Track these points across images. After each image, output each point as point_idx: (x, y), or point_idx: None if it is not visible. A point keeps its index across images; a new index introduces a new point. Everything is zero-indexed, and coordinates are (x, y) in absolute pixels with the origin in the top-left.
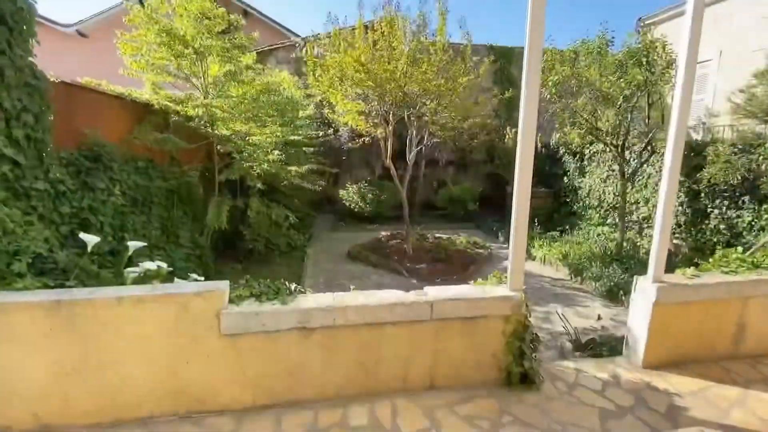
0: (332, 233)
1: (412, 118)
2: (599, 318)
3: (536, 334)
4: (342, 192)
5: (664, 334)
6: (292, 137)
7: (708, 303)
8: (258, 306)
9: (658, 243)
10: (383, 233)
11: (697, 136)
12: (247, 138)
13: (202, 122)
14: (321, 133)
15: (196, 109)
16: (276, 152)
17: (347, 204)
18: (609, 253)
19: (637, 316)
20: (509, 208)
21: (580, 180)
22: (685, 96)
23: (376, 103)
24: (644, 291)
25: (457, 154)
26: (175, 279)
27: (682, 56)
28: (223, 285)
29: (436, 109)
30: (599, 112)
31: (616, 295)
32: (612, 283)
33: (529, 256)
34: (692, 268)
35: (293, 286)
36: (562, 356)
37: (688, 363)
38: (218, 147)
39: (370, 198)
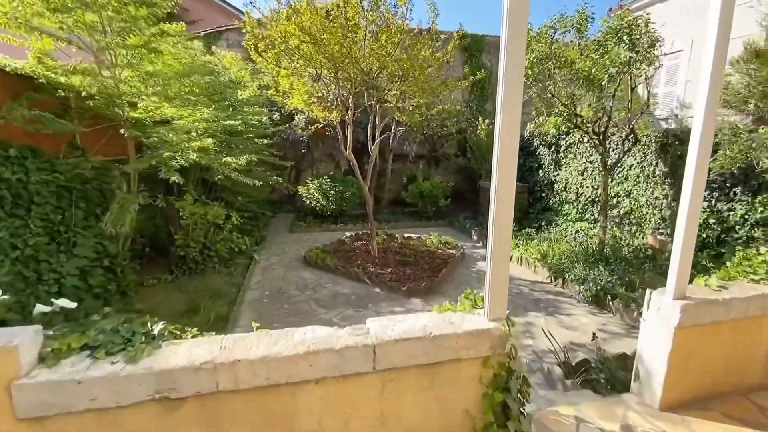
0: (290, 235)
1: (373, 102)
2: (594, 338)
3: (525, 377)
4: (301, 189)
5: (686, 365)
6: (228, 122)
7: (739, 322)
8: (87, 366)
9: (680, 250)
10: (348, 234)
11: (669, 127)
12: (170, 122)
13: (103, 101)
14: (265, 119)
15: (84, 81)
16: (210, 140)
17: (308, 202)
18: (592, 252)
19: (652, 343)
20: (482, 204)
21: (556, 173)
22: (716, 71)
23: (333, 85)
24: (662, 311)
25: (427, 148)
26: None
27: (713, 25)
28: (22, 335)
29: (401, 91)
30: (578, 96)
31: (603, 300)
32: (598, 287)
33: None
34: (714, 276)
35: (158, 327)
36: (549, 384)
37: (714, 399)
38: (126, 132)
39: (333, 195)
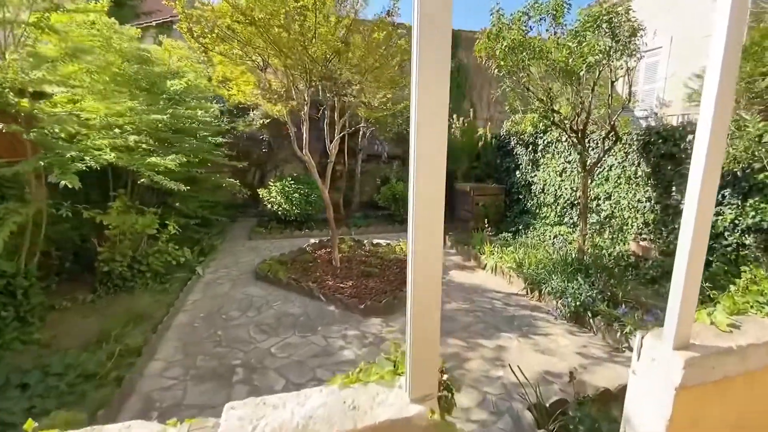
0: (248, 242)
1: (328, 95)
2: (572, 379)
3: None
4: (262, 191)
5: None
6: (153, 116)
7: (757, 374)
8: None
9: (683, 284)
10: (312, 240)
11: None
12: (80, 116)
13: None
14: (214, 112)
15: None
16: (134, 137)
17: (269, 206)
18: (571, 260)
19: (645, 405)
20: (456, 206)
21: (533, 174)
22: (730, 48)
23: (282, 75)
24: (659, 364)
25: (402, 147)
26: None
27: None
28: None
29: (359, 82)
30: (555, 91)
31: (583, 317)
32: (578, 303)
33: (479, 265)
34: (720, 310)
35: None
36: None
37: None
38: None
39: (297, 198)
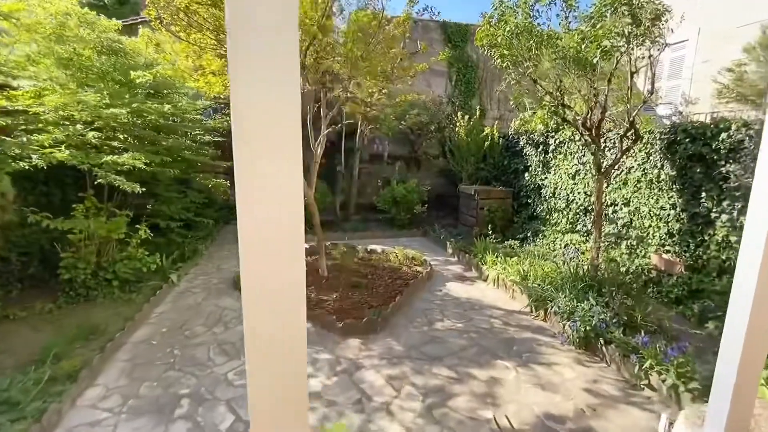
0: (236, 247)
1: (308, 86)
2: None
3: None
4: None
5: None
6: (112, 110)
7: None
8: None
9: (742, 338)
10: (305, 246)
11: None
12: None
13: None
14: (182, 105)
15: None
16: (94, 134)
17: None
18: (582, 274)
19: None
20: (461, 210)
21: (543, 177)
22: None
23: None
24: None
25: (405, 148)
26: None
27: None
28: None
29: (347, 75)
30: (566, 83)
31: (595, 344)
32: (588, 327)
33: (480, 276)
34: None
35: None
36: None
37: None
38: None
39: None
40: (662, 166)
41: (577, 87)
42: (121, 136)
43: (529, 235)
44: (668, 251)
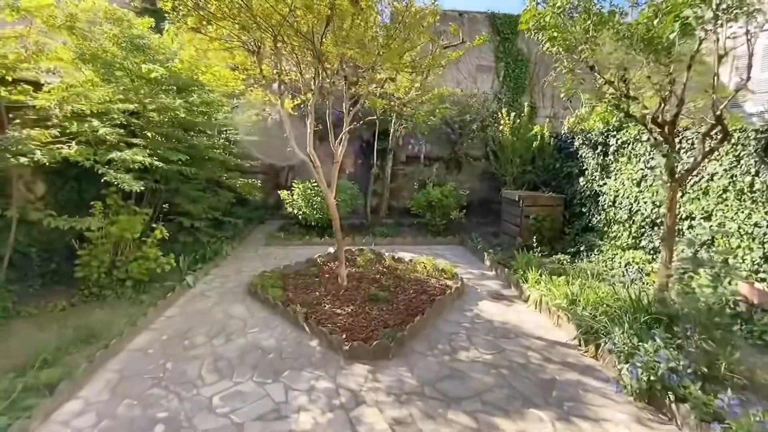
0: (263, 248)
1: (327, 81)
2: None
3: None
4: (284, 194)
5: None
6: (122, 106)
7: None
8: None
9: None
10: (330, 250)
11: None
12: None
13: None
14: (211, 98)
15: None
16: (105, 130)
17: (290, 209)
18: (647, 303)
19: None
20: (504, 218)
21: (602, 182)
22: None
23: (275, 58)
24: None
25: (445, 149)
26: None
27: None
28: None
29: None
30: (632, 71)
31: (661, 398)
32: (653, 375)
33: (520, 295)
34: None
35: None
36: None
37: None
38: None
39: (318, 202)
40: (757, 172)
41: (646, 74)
42: (149, 134)
43: (581, 249)
44: (763, 279)
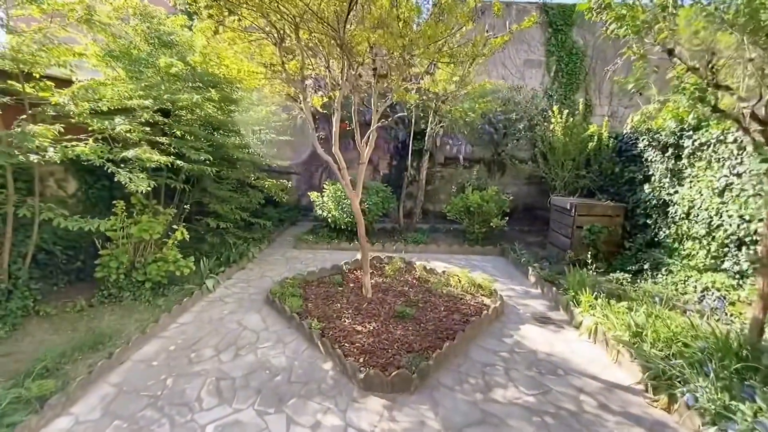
0: (290, 251)
1: (350, 66)
2: None
3: None
4: (314, 195)
5: None
6: (136, 102)
7: None
8: None
9: None
10: (359, 256)
11: None
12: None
13: None
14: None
15: None
16: (123, 127)
17: (320, 212)
18: (738, 344)
19: None
20: (553, 227)
21: (673, 190)
22: None
23: (298, 50)
24: None
25: (487, 150)
26: None
27: None
28: None
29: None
30: (723, 53)
31: None
32: None
33: (570, 321)
34: None
35: None
36: None
37: None
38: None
39: (348, 204)
40: None
41: (748, 57)
42: (178, 132)
43: (645, 267)
44: None
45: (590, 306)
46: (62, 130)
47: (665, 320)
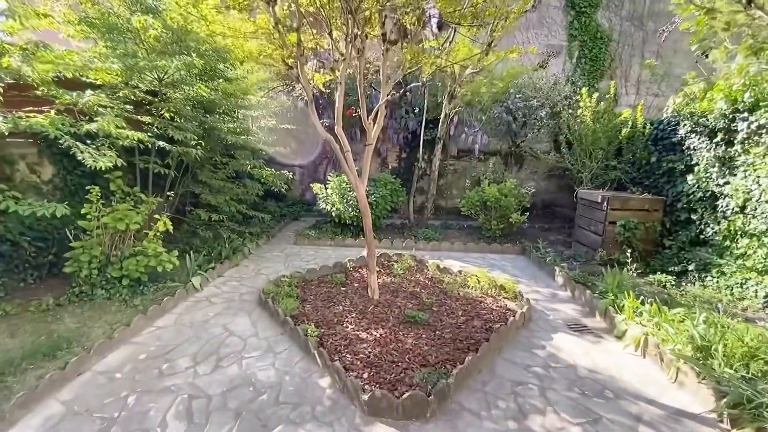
0: (291, 247)
1: (355, 31)
2: None
3: None
4: (317, 187)
5: None
6: (107, 65)
7: None
8: None
9: None
10: (365, 253)
11: None
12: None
13: None
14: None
15: None
16: (95, 99)
17: (323, 205)
18: None
19: None
20: (580, 224)
21: (722, 181)
22: None
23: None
24: None
25: (504, 141)
26: None
27: None
28: None
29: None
30: None
31: None
32: None
33: (610, 329)
34: None
35: None
36: None
37: None
38: None
39: (353, 197)
40: None
41: None
42: (167, 114)
43: (690, 268)
44: None
45: (635, 313)
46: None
47: (736, 330)
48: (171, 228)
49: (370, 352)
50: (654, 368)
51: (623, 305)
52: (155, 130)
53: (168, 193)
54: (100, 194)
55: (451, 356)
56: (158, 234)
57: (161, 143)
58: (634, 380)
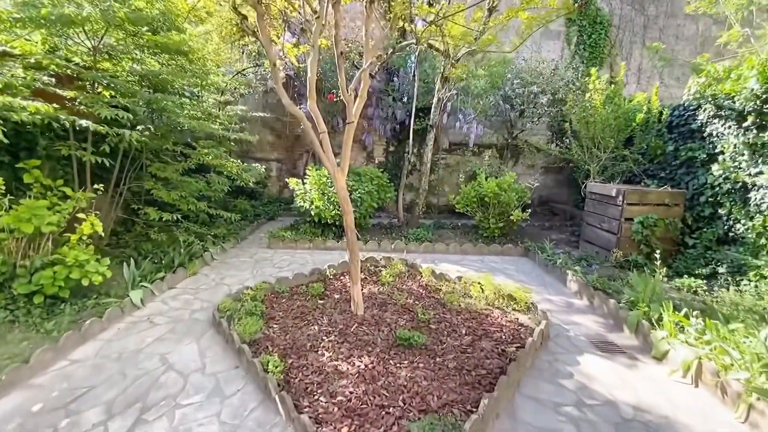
0: (263, 251)
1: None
2: None
3: None
4: (293, 182)
5: None
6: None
7: None
8: None
9: None
10: (345, 258)
11: None
12: None
13: None
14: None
15: None
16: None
17: (300, 203)
18: None
19: None
20: (589, 221)
21: (754, 170)
22: None
23: None
24: None
25: (499, 133)
26: None
27: None
28: None
29: None
30: None
31: None
32: None
33: (644, 347)
34: None
35: None
36: None
37: None
38: None
39: (335, 193)
40: None
41: None
42: (104, 92)
43: (720, 270)
44: None
45: (678, 328)
46: None
47: None
48: (101, 230)
49: (351, 393)
50: (714, 403)
51: (660, 318)
52: (81, 107)
53: (117, 189)
54: (4, 187)
55: (458, 394)
56: (84, 238)
57: (83, 122)
58: (695, 422)
